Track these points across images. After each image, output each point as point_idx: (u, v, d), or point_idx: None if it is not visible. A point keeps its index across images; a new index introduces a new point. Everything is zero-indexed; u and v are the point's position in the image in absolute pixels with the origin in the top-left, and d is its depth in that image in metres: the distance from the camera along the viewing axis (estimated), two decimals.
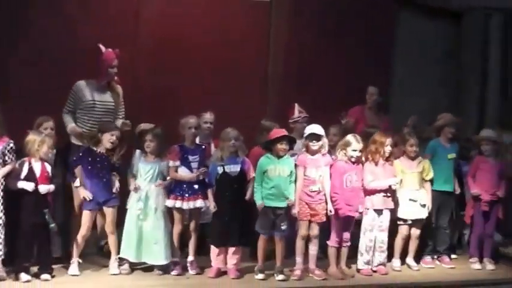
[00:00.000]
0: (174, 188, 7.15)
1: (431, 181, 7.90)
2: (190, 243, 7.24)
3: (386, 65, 9.98)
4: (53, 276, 6.71)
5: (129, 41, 8.69)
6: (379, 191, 7.50)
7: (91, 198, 6.91)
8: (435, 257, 8.13)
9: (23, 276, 6.51)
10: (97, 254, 7.50)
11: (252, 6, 9.48)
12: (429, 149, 8.09)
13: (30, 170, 6.63)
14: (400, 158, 7.83)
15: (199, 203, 7.13)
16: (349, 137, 7.35)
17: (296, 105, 8.18)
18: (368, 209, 7.51)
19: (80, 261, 6.98)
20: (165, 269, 7.11)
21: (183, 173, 7.16)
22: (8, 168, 6.54)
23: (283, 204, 7.09)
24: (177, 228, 7.18)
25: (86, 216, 6.95)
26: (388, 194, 7.55)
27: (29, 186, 6.57)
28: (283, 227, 7.09)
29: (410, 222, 7.77)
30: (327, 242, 7.36)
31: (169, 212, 7.20)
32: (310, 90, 9.24)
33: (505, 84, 10.18)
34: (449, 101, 10.21)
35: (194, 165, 7.17)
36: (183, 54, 8.97)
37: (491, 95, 10.12)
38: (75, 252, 6.95)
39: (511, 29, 10.19)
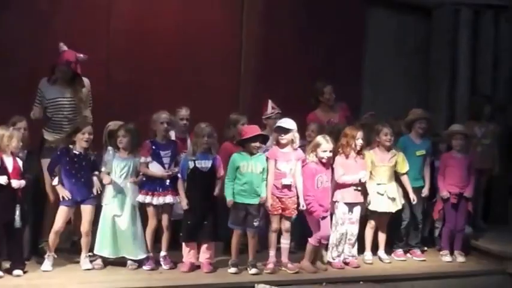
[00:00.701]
0: (145, 183, 7.16)
1: (407, 174, 7.96)
2: (163, 238, 7.24)
3: (357, 60, 10.01)
4: (25, 272, 6.68)
5: (101, 37, 8.68)
6: (350, 185, 7.56)
7: (70, 197, 6.90)
8: (407, 249, 8.21)
9: None
10: (70, 249, 7.47)
11: (225, 1, 9.50)
12: (399, 145, 8.12)
13: (2, 165, 6.58)
14: (374, 149, 7.88)
15: (168, 198, 7.14)
16: (319, 138, 7.36)
17: (269, 101, 8.20)
18: (338, 202, 7.56)
19: (55, 256, 6.95)
20: (139, 263, 7.13)
21: (155, 168, 7.17)
22: None
23: (255, 201, 7.12)
24: (151, 224, 7.19)
25: (62, 212, 6.92)
26: (359, 188, 7.61)
27: (2, 179, 6.52)
28: (255, 223, 7.12)
29: (377, 214, 7.83)
30: (308, 239, 7.38)
31: (141, 208, 7.20)
32: (282, 86, 9.27)
33: (474, 79, 10.27)
34: (420, 96, 10.28)
35: (166, 160, 7.19)
36: (156, 49, 8.96)
37: (461, 90, 10.20)
38: (50, 247, 6.92)
39: (480, 24, 10.28)
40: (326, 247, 7.61)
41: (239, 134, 7.46)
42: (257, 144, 7.14)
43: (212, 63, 9.19)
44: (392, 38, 10.25)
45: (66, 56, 7.32)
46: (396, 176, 7.93)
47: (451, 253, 8.19)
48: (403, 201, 7.92)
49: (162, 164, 7.18)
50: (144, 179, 7.16)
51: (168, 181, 7.15)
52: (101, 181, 7.05)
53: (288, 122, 7.29)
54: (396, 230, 8.12)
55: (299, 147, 7.35)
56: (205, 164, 7.09)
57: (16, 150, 6.71)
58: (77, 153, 6.98)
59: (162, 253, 7.23)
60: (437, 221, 8.51)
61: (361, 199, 7.65)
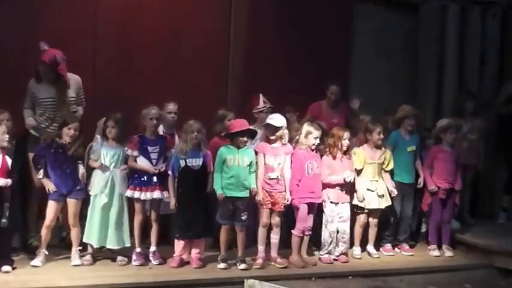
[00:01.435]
0: (133, 178, 7.16)
1: (391, 172, 8.01)
2: (152, 233, 7.25)
3: (345, 56, 10.03)
4: (13, 268, 6.66)
5: (88, 33, 8.63)
6: (335, 185, 7.60)
7: (55, 190, 6.88)
8: (395, 244, 8.25)
9: None
10: (59, 245, 7.44)
11: None
12: (390, 141, 8.17)
13: None
14: (364, 146, 7.92)
15: (156, 193, 7.15)
16: (308, 127, 7.41)
17: (261, 95, 8.21)
18: (325, 201, 7.61)
19: (46, 252, 6.93)
20: (128, 256, 7.15)
21: (143, 163, 7.18)
22: None
23: (242, 194, 7.14)
24: (138, 218, 7.18)
25: (51, 207, 6.91)
26: (344, 188, 7.65)
27: None
28: (243, 217, 7.14)
29: (367, 211, 7.87)
30: (292, 231, 7.42)
31: (128, 202, 7.21)
32: (270, 82, 9.25)
33: (461, 75, 10.32)
34: (408, 91, 10.31)
35: (154, 156, 7.19)
36: (144, 45, 8.91)
37: (448, 85, 10.25)
38: (42, 242, 6.91)
39: (467, 20, 10.32)
40: (319, 246, 7.66)
41: (227, 129, 7.48)
42: (244, 138, 7.16)
43: (200, 59, 9.15)
44: (380, 33, 10.25)
45: (45, 56, 7.27)
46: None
47: (439, 247, 8.25)
48: (389, 198, 7.95)
49: (149, 159, 7.18)
50: (127, 171, 7.16)
51: (155, 176, 7.15)
52: (87, 168, 7.06)
53: (277, 119, 7.31)
54: (386, 225, 8.16)
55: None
56: (196, 162, 7.09)
57: (3, 143, 6.67)
58: (63, 144, 6.94)
59: (152, 248, 7.24)
60: (425, 215, 8.55)
61: (346, 199, 7.70)
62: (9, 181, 6.64)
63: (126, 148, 7.16)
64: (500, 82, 10.39)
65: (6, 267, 6.58)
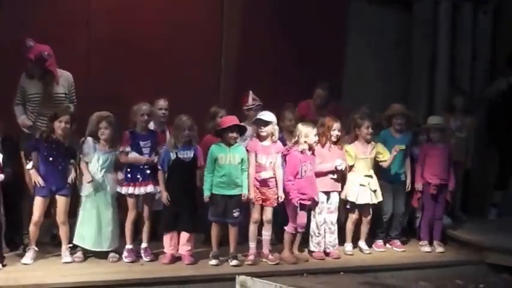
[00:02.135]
0: (126, 175, 7.16)
1: (382, 170, 8.02)
2: (144, 230, 7.26)
3: (339, 53, 10.04)
4: (4, 265, 6.66)
5: (81, 30, 8.62)
6: (326, 174, 7.61)
7: (43, 184, 6.85)
8: (386, 240, 8.28)
9: None
10: (50, 242, 7.45)
11: None
12: (380, 139, 8.16)
13: None
14: (354, 143, 7.93)
15: (150, 188, 7.15)
16: (303, 128, 7.39)
17: (250, 92, 8.20)
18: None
19: (36, 249, 6.93)
20: (119, 253, 7.15)
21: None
22: None
23: (234, 192, 7.14)
24: (131, 215, 7.19)
25: (38, 203, 6.88)
26: (336, 176, 7.66)
27: None
28: (235, 214, 7.15)
29: (359, 206, 7.88)
30: (285, 228, 7.43)
31: (119, 199, 7.22)
32: (263, 79, 9.24)
33: (453, 71, 10.34)
34: (401, 88, 10.33)
35: (146, 150, 7.20)
36: (137, 42, 8.90)
37: (440, 81, 10.27)
38: (31, 240, 6.90)
39: (459, 17, 10.35)
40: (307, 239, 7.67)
41: (218, 126, 7.48)
42: (234, 134, 7.16)
43: (193, 56, 9.14)
44: (374, 30, 10.27)
45: (31, 53, 7.25)
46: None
47: (431, 243, 8.27)
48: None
49: (141, 154, 7.19)
50: (123, 176, 7.16)
51: (148, 171, 7.16)
52: (76, 170, 7.04)
53: (267, 115, 7.32)
54: (378, 221, 8.17)
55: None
56: (187, 154, 7.10)
57: None
58: (56, 139, 6.93)
59: (143, 245, 7.24)
60: (417, 210, 8.58)
61: (338, 187, 7.72)
62: (1, 177, 6.66)
63: (118, 151, 7.15)
64: (492, 78, 10.41)
65: None
